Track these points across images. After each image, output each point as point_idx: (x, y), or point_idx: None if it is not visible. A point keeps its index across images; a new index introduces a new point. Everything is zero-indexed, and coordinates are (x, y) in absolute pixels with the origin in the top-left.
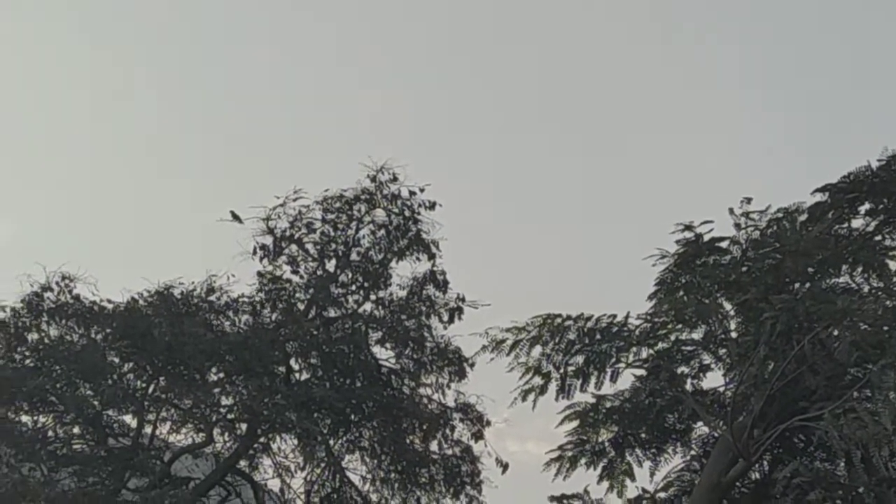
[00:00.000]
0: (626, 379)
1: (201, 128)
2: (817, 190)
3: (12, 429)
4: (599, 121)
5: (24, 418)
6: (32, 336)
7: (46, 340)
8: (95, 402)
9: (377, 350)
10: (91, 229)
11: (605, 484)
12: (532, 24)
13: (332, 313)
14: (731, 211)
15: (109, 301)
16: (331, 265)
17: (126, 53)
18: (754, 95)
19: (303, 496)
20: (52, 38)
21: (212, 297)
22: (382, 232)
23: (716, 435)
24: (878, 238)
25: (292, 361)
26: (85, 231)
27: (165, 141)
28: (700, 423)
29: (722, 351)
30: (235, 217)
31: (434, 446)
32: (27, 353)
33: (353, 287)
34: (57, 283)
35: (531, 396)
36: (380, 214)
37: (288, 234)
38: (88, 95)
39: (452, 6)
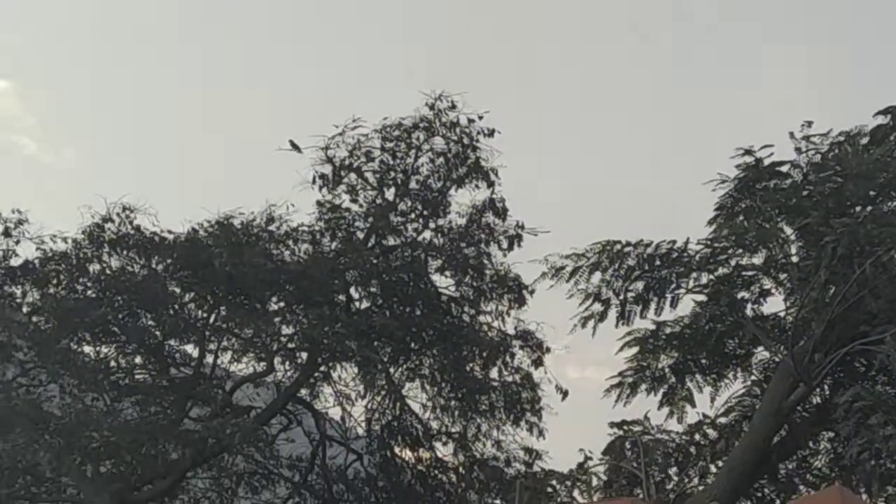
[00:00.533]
0: (686, 305)
1: (261, 59)
2: (879, 112)
3: (75, 359)
4: (662, 45)
5: (87, 349)
6: (94, 267)
7: (108, 271)
8: (157, 332)
9: (437, 278)
10: (152, 159)
11: (666, 410)
12: None
13: (391, 242)
14: (792, 135)
15: (170, 232)
16: (390, 194)
17: None
18: (822, 27)
19: (364, 424)
20: None
21: (271, 227)
22: (441, 160)
23: (776, 360)
24: None
25: (352, 290)
26: (146, 161)
27: (226, 72)
28: (760, 349)
29: (783, 276)
30: (294, 146)
31: (494, 373)
32: (89, 284)
33: (413, 215)
34: (118, 214)
35: (591, 323)
36: (438, 142)
37: (347, 162)
38: (154, 23)
39: None
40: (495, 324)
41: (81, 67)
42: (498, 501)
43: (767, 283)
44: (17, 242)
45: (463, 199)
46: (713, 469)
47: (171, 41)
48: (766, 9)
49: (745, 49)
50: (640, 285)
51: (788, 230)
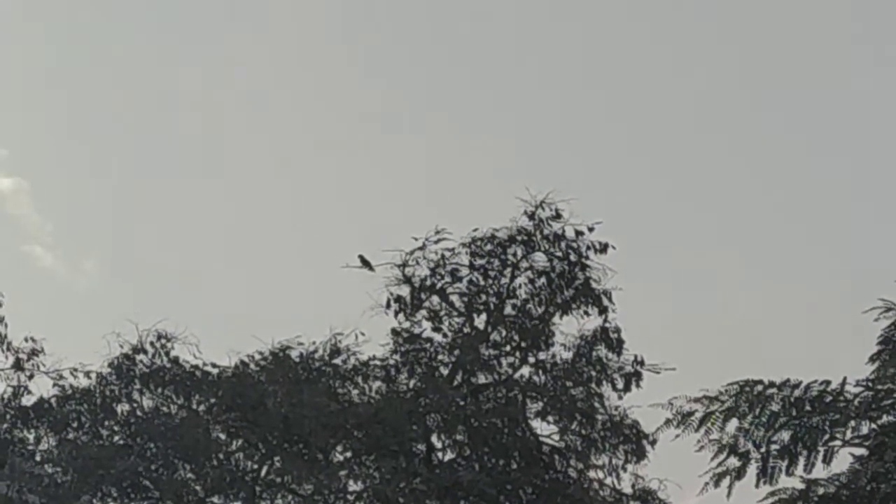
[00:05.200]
0: (843, 460)
1: (325, 157)
2: None
3: None
4: (798, 142)
5: None
6: (122, 407)
7: (139, 413)
8: (197, 487)
9: (537, 424)
10: (193, 277)
11: None
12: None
13: (481, 379)
14: None
15: (214, 365)
16: (480, 321)
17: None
18: None
19: None
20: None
21: (337, 360)
22: (543, 280)
23: None
24: None
25: (434, 438)
26: (186, 280)
27: (281, 175)
28: None
29: None
30: (365, 263)
31: None
32: (116, 429)
33: (508, 347)
34: (151, 344)
35: (726, 481)
36: (540, 259)
37: (428, 283)
38: (199, 125)
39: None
40: (608, 480)
41: (109, 166)
42: None
43: None
44: (31, 377)
45: (569, 329)
46: None
47: (213, 138)
48: None
49: None
50: (785, 436)
51: None
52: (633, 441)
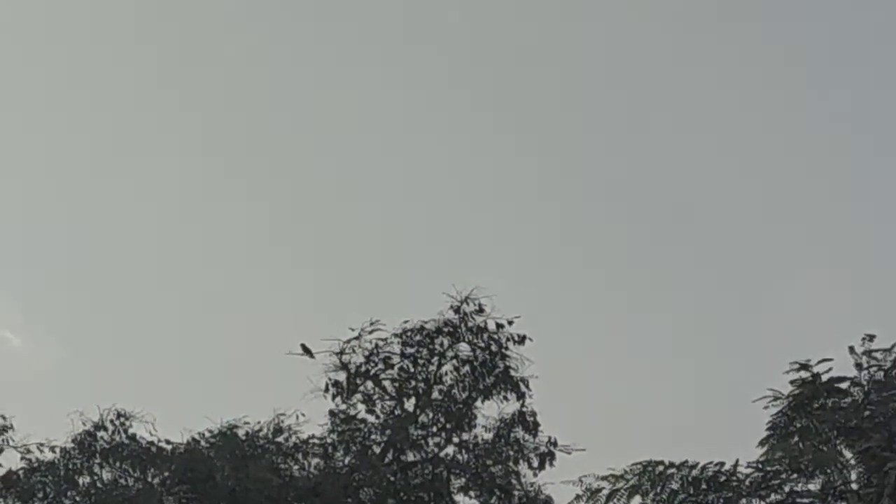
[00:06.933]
0: None
1: (267, 255)
2: None
3: None
4: (701, 246)
5: None
6: (84, 479)
7: (99, 484)
8: None
9: (460, 498)
10: (149, 361)
11: None
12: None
13: (410, 457)
14: (852, 349)
15: (168, 441)
16: (410, 404)
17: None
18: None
19: None
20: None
21: (279, 439)
22: (467, 368)
23: None
24: None
25: None
26: (142, 363)
27: (228, 271)
28: None
29: None
30: (306, 351)
31: None
32: (78, 499)
33: (435, 428)
34: (111, 422)
35: None
36: (464, 349)
37: (363, 369)
38: (152, 216)
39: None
40: None
41: (72, 252)
42: None
43: None
44: (0, 451)
45: (490, 412)
46: None
47: (171, 233)
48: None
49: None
50: None
51: (848, 454)
52: None
